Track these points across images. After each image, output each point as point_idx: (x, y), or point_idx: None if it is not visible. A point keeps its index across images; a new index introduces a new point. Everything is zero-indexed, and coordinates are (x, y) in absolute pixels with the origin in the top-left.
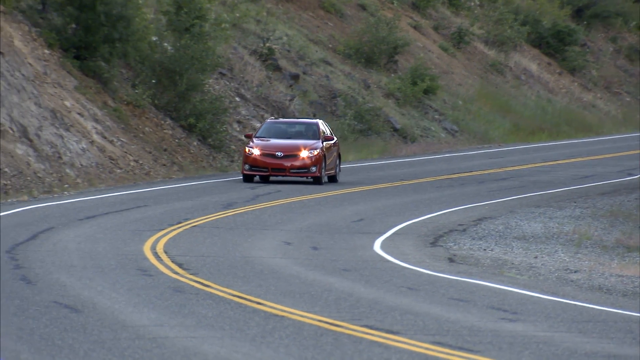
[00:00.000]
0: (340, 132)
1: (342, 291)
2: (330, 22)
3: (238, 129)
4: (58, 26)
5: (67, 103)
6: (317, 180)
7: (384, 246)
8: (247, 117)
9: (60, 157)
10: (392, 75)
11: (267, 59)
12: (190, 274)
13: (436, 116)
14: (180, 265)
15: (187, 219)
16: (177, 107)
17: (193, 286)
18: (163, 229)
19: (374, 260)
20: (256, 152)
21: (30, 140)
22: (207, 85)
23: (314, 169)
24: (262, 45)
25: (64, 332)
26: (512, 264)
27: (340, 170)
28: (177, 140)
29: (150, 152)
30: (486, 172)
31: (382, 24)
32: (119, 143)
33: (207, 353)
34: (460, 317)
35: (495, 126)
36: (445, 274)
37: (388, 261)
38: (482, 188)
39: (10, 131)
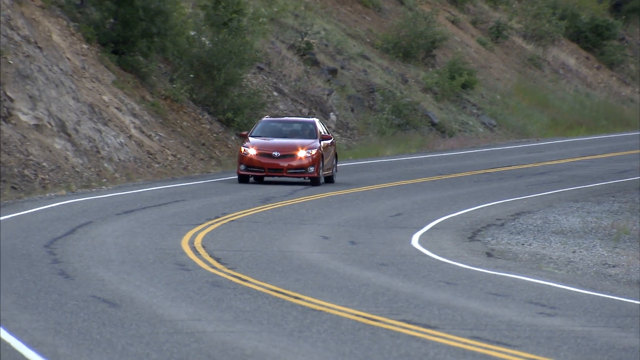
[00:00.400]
0: (377, 126)
1: (380, 286)
2: (368, 16)
3: None
4: (96, 21)
5: (105, 97)
6: (314, 181)
7: (421, 241)
8: (285, 112)
9: (98, 152)
10: (430, 69)
11: (305, 53)
12: (228, 269)
13: (474, 110)
14: (218, 260)
15: (225, 214)
16: (215, 102)
17: (231, 281)
18: (201, 224)
19: (412, 254)
20: (252, 151)
21: (69, 135)
22: (245, 80)
23: (311, 169)
24: (300, 39)
25: (102, 327)
26: (550, 258)
27: (337, 171)
28: (215, 135)
29: (188, 147)
30: (524, 166)
31: (420, 18)
32: (157, 137)
33: (244, 347)
34: (498, 311)
35: (533, 120)
36: (483, 269)
37: (426, 256)
38: (520, 182)
39: (49, 126)
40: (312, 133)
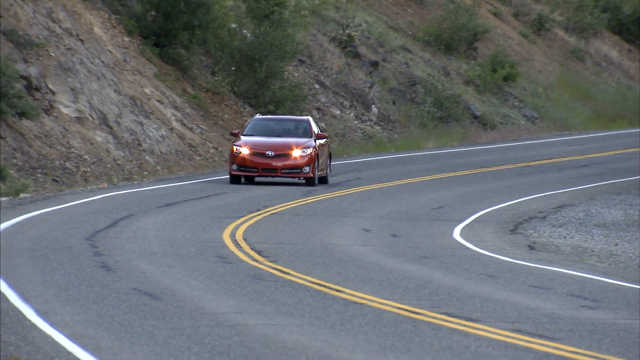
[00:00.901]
0: (419, 119)
1: (422, 278)
2: (409, 8)
3: (317, 116)
4: (138, 13)
5: (147, 90)
6: (309, 182)
7: (463, 233)
8: (327, 105)
9: (139, 144)
10: (472, 62)
11: (346, 46)
12: (270, 262)
13: (516, 103)
14: (259, 253)
15: (266, 207)
16: (256, 94)
17: (272, 273)
18: (242, 217)
19: (454, 247)
20: (245, 151)
21: (110, 128)
22: (286, 73)
23: (307, 169)
24: (341, 32)
25: (144, 319)
26: (593, 251)
27: (330, 171)
28: None
29: (229, 139)
30: (566, 159)
31: (462, 10)
32: (199, 130)
33: (286, 340)
34: (540, 304)
35: (575, 113)
36: (525, 262)
37: (467, 248)
38: (562, 175)
39: (90, 118)
40: (306, 132)
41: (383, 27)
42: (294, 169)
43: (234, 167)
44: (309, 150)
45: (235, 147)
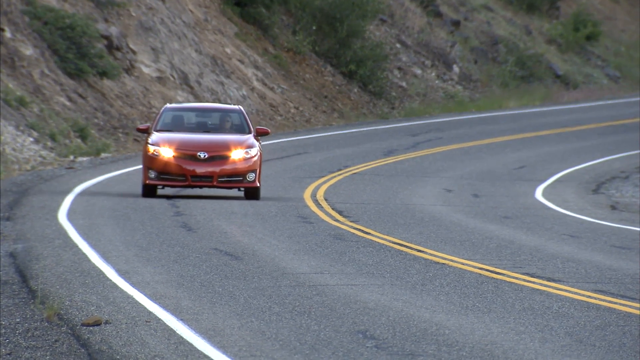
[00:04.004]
0: (501, 78)
1: (503, 239)
2: None
3: (398, 76)
4: None
5: (228, 50)
6: (252, 194)
7: (545, 193)
8: (408, 64)
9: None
10: (554, 21)
11: (427, 5)
12: (351, 222)
13: (598, 62)
14: (340, 213)
15: (347, 166)
16: (337, 54)
17: (353, 233)
18: (323, 176)
19: (535, 207)
20: (167, 152)
21: (191, 87)
22: (367, 32)
23: (251, 176)
24: None
25: (225, 279)
26: None
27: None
28: (337, 87)
29: (310, 99)
30: None
31: None
32: (279, 90)
33: (367, 300)
34: (623, 265)
35: None
36: (607, 222)
37: (549, 208)
38: None
39: (171, 78)
40: (241, 126)
41: None
42: (234, 177)
43: (152, 174)
44: (254, 151)
45: (151, 148)
